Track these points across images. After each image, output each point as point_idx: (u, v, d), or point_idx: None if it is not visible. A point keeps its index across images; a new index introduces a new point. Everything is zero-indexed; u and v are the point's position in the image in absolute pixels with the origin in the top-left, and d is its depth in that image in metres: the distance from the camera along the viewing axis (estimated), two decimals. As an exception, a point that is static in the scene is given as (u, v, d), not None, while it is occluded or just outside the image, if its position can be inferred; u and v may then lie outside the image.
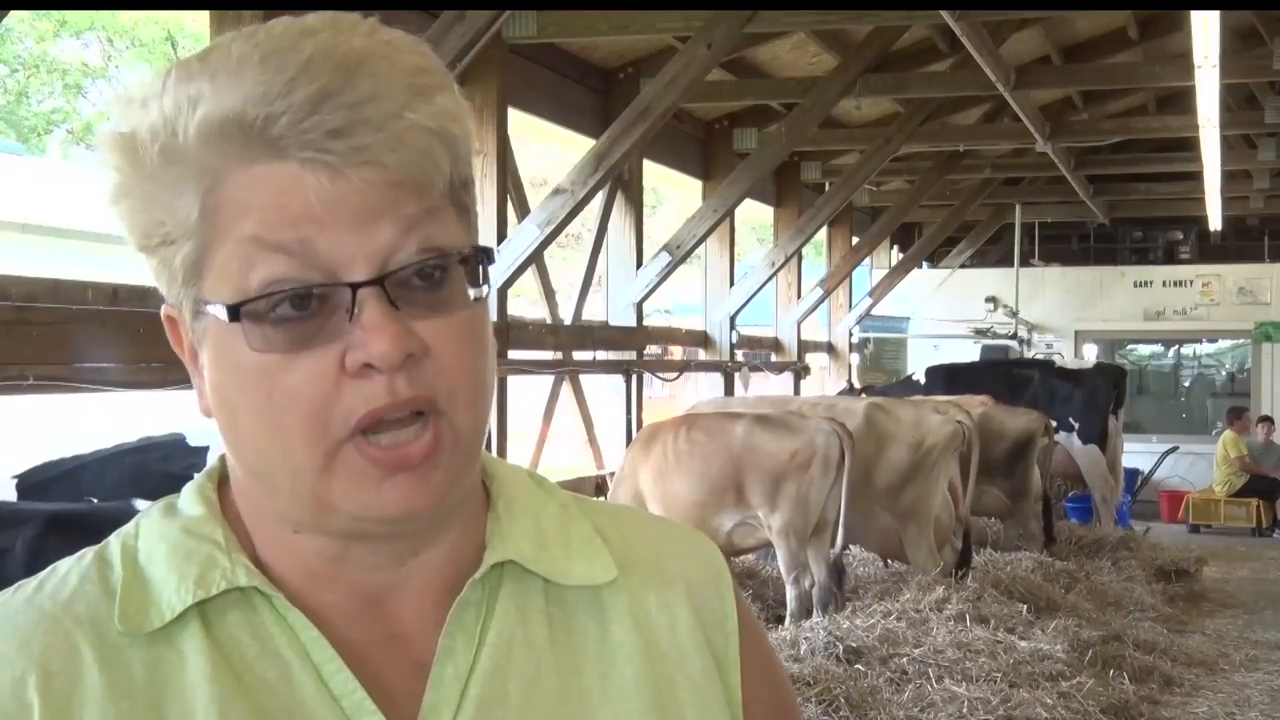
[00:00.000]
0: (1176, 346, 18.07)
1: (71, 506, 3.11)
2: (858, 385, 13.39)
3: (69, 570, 0.90)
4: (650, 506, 7.31)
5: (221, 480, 0.95)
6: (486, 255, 0.89)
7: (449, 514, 0.92)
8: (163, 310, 0.91)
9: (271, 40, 0.83)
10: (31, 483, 3.23)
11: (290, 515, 0.88)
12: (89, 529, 2.78)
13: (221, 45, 0.85)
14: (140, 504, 3.00)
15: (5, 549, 2.82)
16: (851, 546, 8.54)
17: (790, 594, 7.15)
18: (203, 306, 0.86)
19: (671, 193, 21.49)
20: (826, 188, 13.45)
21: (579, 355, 9.26)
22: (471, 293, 0.87)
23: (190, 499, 0.93)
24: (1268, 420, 14.90)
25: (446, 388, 0.85)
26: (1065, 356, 15.65)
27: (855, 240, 15.15)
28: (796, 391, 13.18)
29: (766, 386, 13.44)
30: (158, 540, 0.91)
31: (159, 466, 3.61)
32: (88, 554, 0.92)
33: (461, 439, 0.87)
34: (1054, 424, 11.57)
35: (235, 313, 0.83)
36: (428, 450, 0.84)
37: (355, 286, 0.82)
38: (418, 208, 0.84)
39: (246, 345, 0.83)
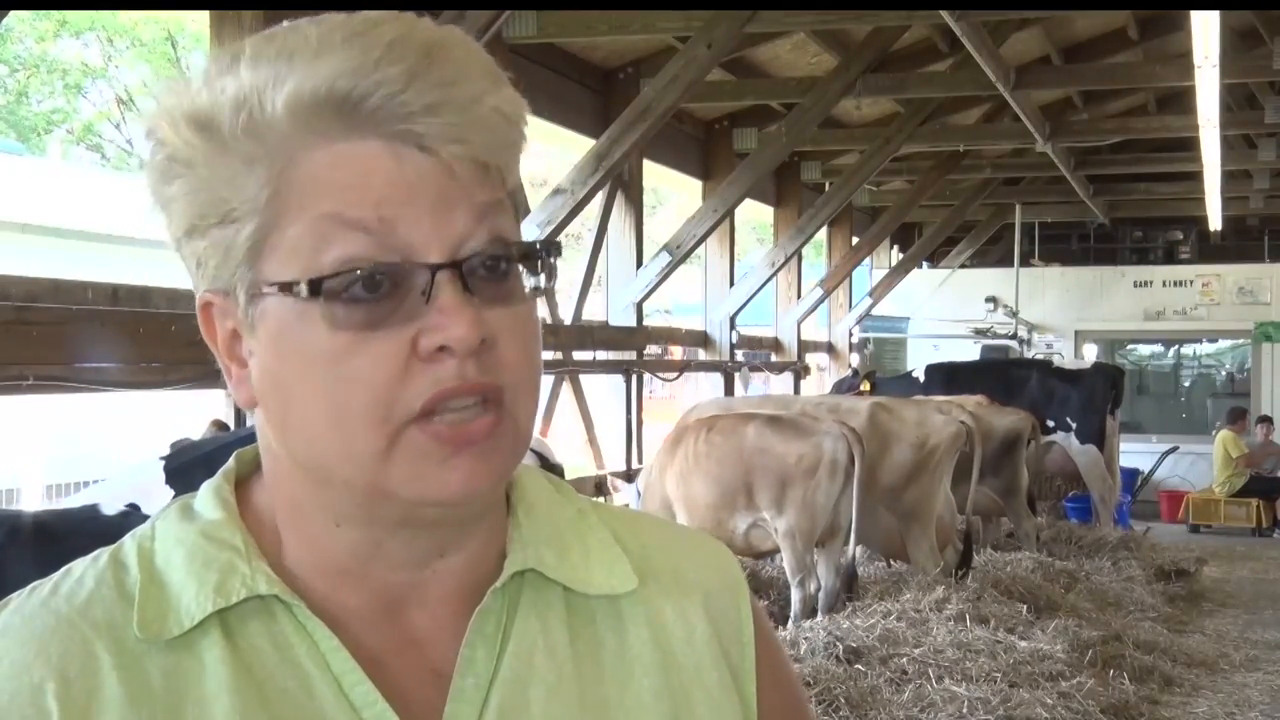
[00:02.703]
0: (1176, 346, 18.07)
1: (36, 512, 3.09)
2: (861, 372, 13.43)
3: (84, 572, 0.88)
4: (675, 509, 7.32)
5: (239, 480, 0.93)
6: (553, 249, 0.89)
7: (487, 510, 0.91)
8: (199, 297, 0.89)
9: (345, 26, 0.83)
10: (176, 465, 3.20)
11: (337, 507, 0.87)
12: (55, 536, 2.75)
13: (289, 31, 0.84)
14: (105, 510, 2.98)
15: None
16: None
17: (794, 597, 7.15)
18: (261, 288, 0.84)
19: (671, 193, 21.51)
20: (826, 188, 13.46)
21: (579, 355, 9.26)
22: (529, 284, 0.87)
23: (208, 501, 0.91)
24: (1266, 420, 14.90)
25: (511, 380, 0.85)
26: (1065, 356, 15.66)
27: (855, 240, 15.16)
28: (796, 391, 13.19)
29: (776, 386, 13.45)
30: (175, 544, 0.89)
31: None
32: (102, 555, 0.90)
33: (520, 431, 0.86)
34: (1050, 424, 11.62)
35: (316, 288, 0.81)
36: (490, 428, 0.83)
37: (434, 269, 0.82)
38: (490, 197, 0.85)
39: (319, 324, 0.82)
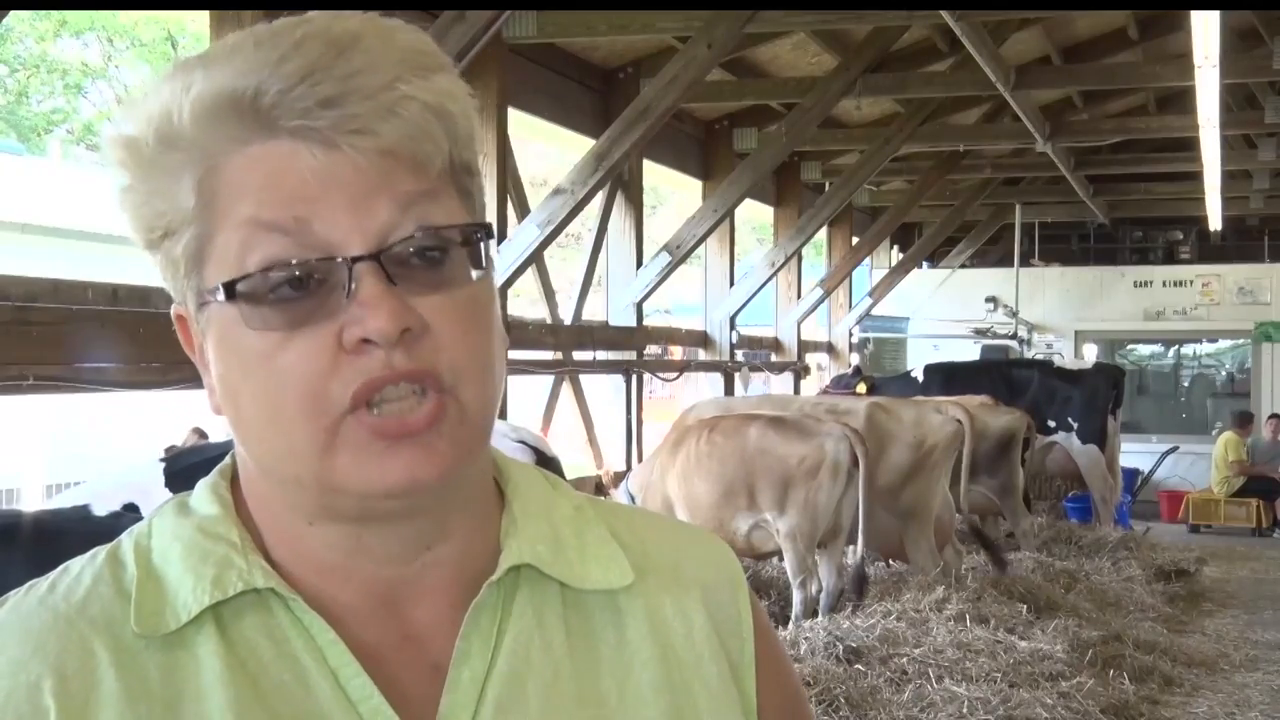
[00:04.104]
0: (1176, 346, 18.07)
1: (18, 513, 3.08)
2: (864, 370, 13.45)
3: (81, 570, 0.89)
4: (676, 509, 7.31)
5: (234, 478, 0.94)
6: (487, 232, 0.88)
7: (458, 501, 0.90)
8: (173, 309, 0.91)
9: (267, 29, 0.84)
10: (177, 468, 3.20)
11: (302, 505, 0.87)
12: (38, 538, 2.74)
13: (219, 41, 0.85)
14: (97, 511, 2.97)
15: None
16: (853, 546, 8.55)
17: (796, 598, 7.14)
18: (206, 296, 0.85)
19: (671, 193, 21.50)
20: (826, 188, 13.45)
21: (579, 355, 9.26)
22: (474, 273, 0.86)
23: (204, 497, 0.92)
24: (1276, 418, 14.84)
25: (449, 364, 0.83)
26: (1065, 356, 15.66)
27: (855, 240, 15.15)
28: (796, 391, 13.19)
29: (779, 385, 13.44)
30: (172, 540, 0.89)
31: None
32: (100, 553, 0.90)
33: (468, 415, 0.85)
34: (1052, 424, 11.62)
35: (231, 291, 0.82)
36: (430, 418, 0.83)
37: (351, 262, 0.81)
38: (415, 186, 0.84)
39: (245, 326, 0.83)
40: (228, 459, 0.95)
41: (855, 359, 15.46)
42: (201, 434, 5.08)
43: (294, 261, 0.81)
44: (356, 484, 0.84)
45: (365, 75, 0.82)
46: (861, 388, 11.89)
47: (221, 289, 0.83)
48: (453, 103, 0.85)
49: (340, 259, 0.82)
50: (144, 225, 0.87)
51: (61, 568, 0.90)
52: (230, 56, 0.83)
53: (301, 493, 0.86)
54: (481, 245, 0.87)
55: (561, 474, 4.91)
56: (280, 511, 0.89)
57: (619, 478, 8.40)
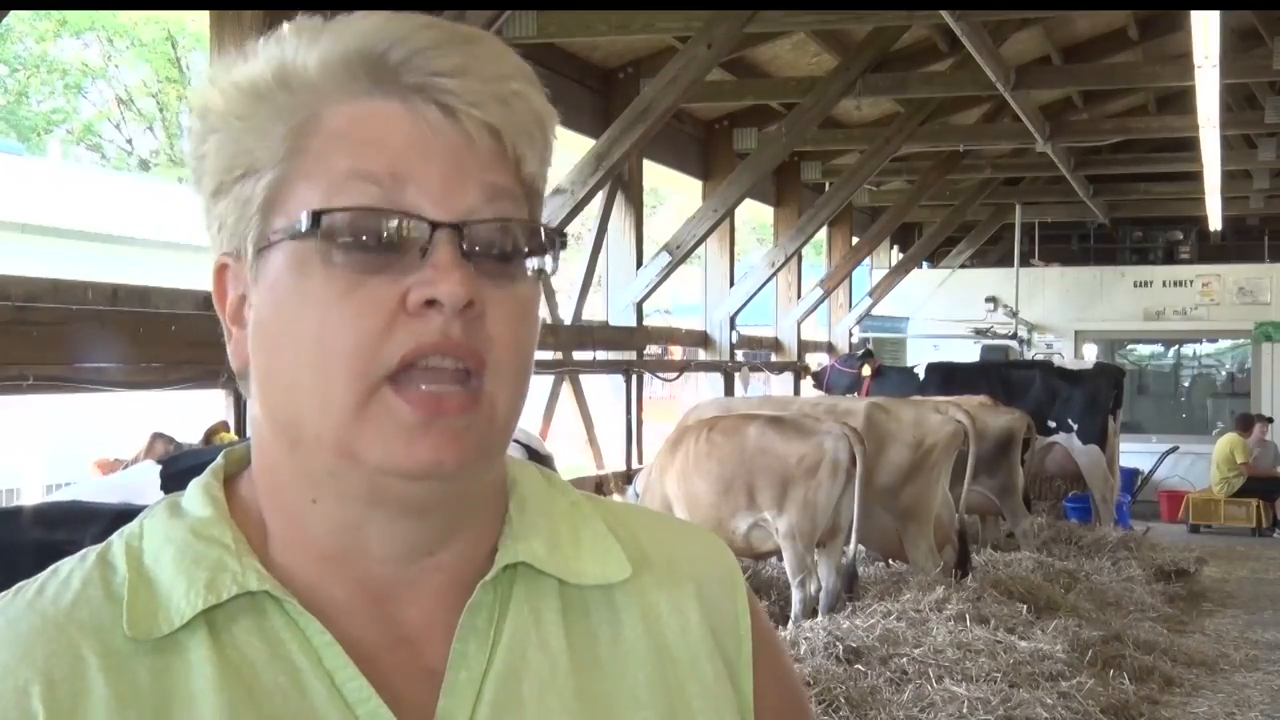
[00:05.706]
0: (1176, 346, 18.07)
1: (138, 506, 3.08)
2: (872, 354, 13.47)
3: (70, 572, 0.88)
4: (675, 508, 7.31)
5: (227, 478, 0.93)
6: (561, 241, 0.91)
7: (467, 504, 0.90)
8: (215, 261, 0.90)
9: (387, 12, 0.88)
10: (174, 470, 3.20)
11: (311, 472, 0.86)
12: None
13: (324, 19, 0.88)
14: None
15: (74, 545, 2.78)
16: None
17: (795, 597, 7.14)
18: (269, 238, 0.85)
19: (671, 193, 21.50)
20: (826, 188, 13.45)
21: (579, 355, 9.26)
22: (530, 269, 0.88)
23: (196, 498, 0.91)
24: (1262, 420, 14.84)
25: (496, 359, 0.85)
26: (1065, 356, 15.66)
27: (855, 240, 15.15)
28: (796, 391, 13.20)
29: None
30: (164, 542, 0.88)
31: None
32: (89, 554, 0.89)
33: (497, 420, 0.86)
34: (1052, 424, 11.63)
35: (317, 220, 0.83)
36: (465, 403, 0.83)
37: (435, 226, 0.83)
38: (503, 180, 0.87)
39: (316, 265, 0.83)
40: (220, 457, 0.95)
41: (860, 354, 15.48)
42: (161, 437, 4.97)
43: (378, 207, 0.83)
44: (379, 456, 0.83)
45: (487, 63, 0.86)
46: (866, 369, 11.94)
47: (307, 215, 0.83)
48: (551, 120, 0.90)
49: (425, 220, 0.83)
50: (224, 164, 0.87)
51: (51, 569, 0.89)
52: (356, 23, 0.86)
53: (316, 453, 0.85)
54: (548, 254, 0.89)
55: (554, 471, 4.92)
56: (285, 482, 0.89)
57: (627, 479, 8.41)
